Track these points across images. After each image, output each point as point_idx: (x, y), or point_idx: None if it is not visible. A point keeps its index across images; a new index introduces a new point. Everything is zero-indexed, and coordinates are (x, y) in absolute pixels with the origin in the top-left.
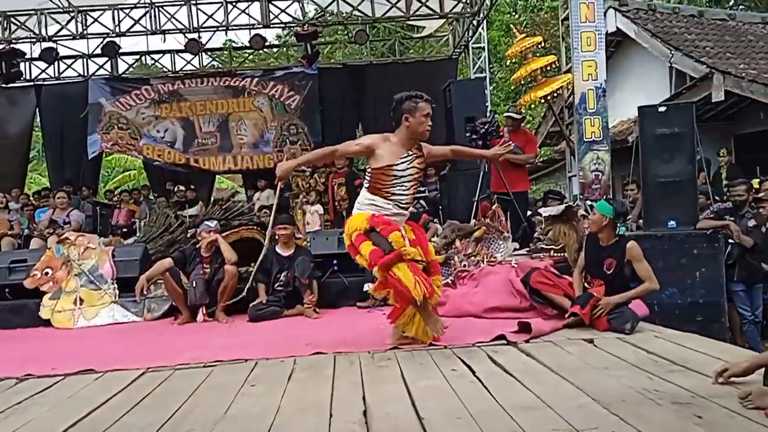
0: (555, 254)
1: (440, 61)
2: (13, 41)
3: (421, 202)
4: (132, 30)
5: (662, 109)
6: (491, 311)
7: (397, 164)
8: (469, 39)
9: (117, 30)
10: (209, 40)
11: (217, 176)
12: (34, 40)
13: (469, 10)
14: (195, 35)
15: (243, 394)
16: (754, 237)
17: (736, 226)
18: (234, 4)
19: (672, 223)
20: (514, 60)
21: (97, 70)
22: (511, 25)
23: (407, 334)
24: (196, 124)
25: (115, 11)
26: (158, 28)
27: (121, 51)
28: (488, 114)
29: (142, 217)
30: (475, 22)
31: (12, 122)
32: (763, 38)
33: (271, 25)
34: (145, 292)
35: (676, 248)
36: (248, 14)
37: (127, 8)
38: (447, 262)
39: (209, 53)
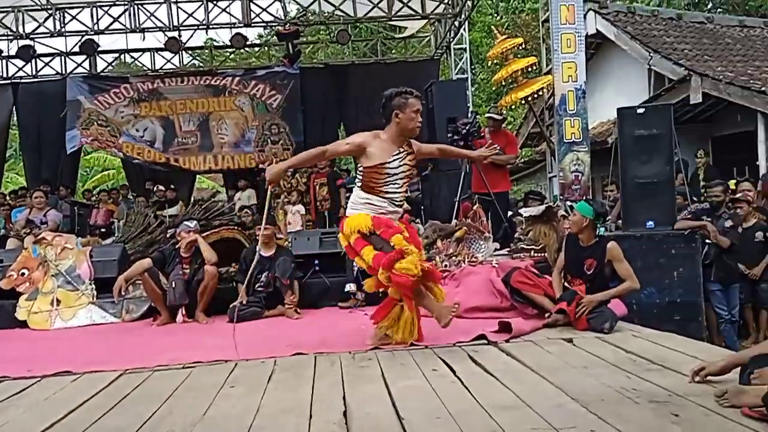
0: (535, 254)
1: (422, 61)
2: None
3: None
4: (111, 28)
5: (641, 110)
6: (472, 311)
7: (390, 162)
8: (451, 40)
9: (95, 28)
10: (189, 38)
11: (198, 176)
12: (11, 37)
13: (450, 11)
14: (175, 33)
15: (222, 395)
16: (730, 237)
17: (713, 227)
18: (215, 2)
19: (650, 223)
20: (495, 61)
21: (76, 68)
22: (493, 27)
23: (392, 337)
24: (177, 123)
25: (94, 9)
26: (137, 26)
27: (99, 49)
28: (470, 115)
29: (120, 217)
30: (456, 23)
31: None
32: (741, 41)
33: (253, 24)
34: (123, 293)
35: (654, 248)
36: (229, 13)
37: (106, 5)
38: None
39: (190, 52)
